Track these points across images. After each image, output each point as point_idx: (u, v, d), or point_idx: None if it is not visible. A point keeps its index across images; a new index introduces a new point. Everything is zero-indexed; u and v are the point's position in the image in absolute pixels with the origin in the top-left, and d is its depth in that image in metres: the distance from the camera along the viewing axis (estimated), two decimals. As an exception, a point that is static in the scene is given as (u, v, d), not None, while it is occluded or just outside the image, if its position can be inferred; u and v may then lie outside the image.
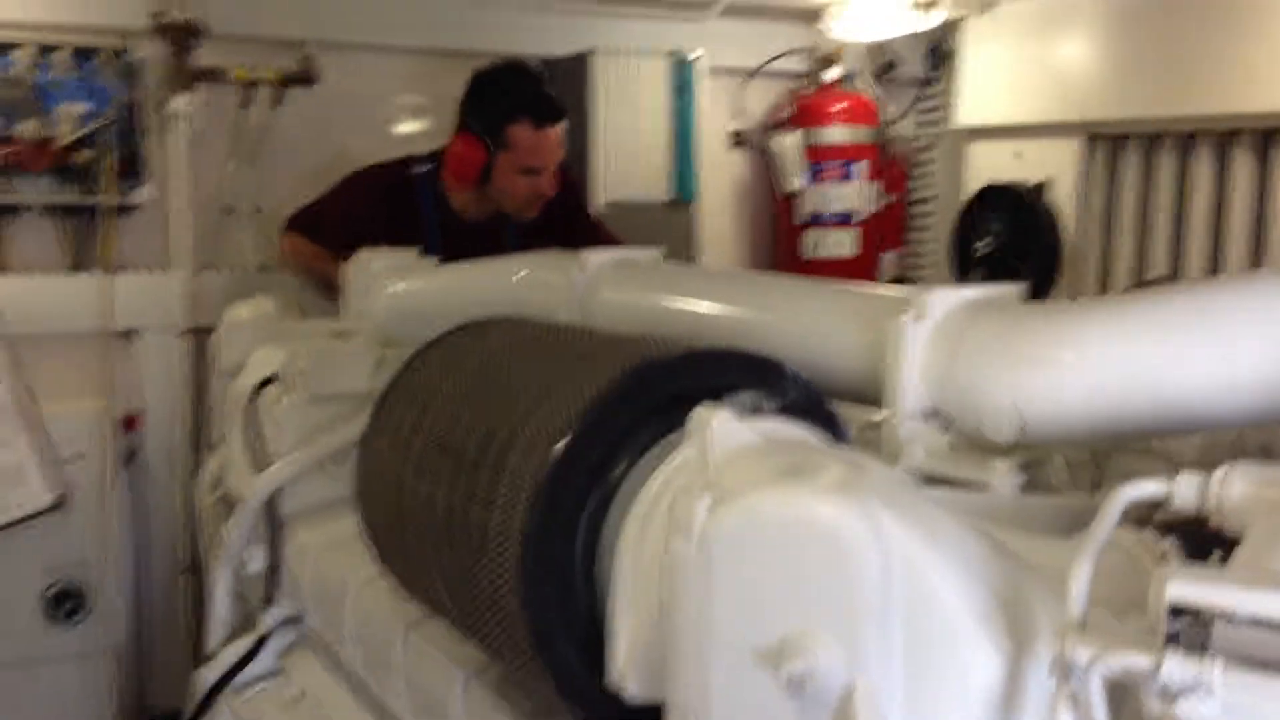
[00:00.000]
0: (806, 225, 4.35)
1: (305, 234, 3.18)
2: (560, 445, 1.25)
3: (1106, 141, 3.82)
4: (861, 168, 4.34)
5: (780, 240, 4.50)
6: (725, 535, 1.06)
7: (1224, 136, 3.47)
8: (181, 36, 3.18)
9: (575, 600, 1.24)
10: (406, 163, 3.17)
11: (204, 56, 3.27)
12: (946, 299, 1.37)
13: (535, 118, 2.99)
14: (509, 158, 3.00)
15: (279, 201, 3.48)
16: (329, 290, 3.06)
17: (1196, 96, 3.45)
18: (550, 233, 3.18)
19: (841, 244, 4.37)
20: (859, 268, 4.39)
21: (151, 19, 3.20)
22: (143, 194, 3.24)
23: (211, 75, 3.27)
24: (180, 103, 3.21)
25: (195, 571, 3.35)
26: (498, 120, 2.98)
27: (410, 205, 3.11)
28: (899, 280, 4.66)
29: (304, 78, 3.39)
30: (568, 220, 3.30)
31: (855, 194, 4.34)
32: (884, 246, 4.57)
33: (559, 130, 3.05)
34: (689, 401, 1.25)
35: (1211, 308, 1.24)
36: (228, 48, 3.37)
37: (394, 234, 2.90)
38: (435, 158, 3.15)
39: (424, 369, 1.56)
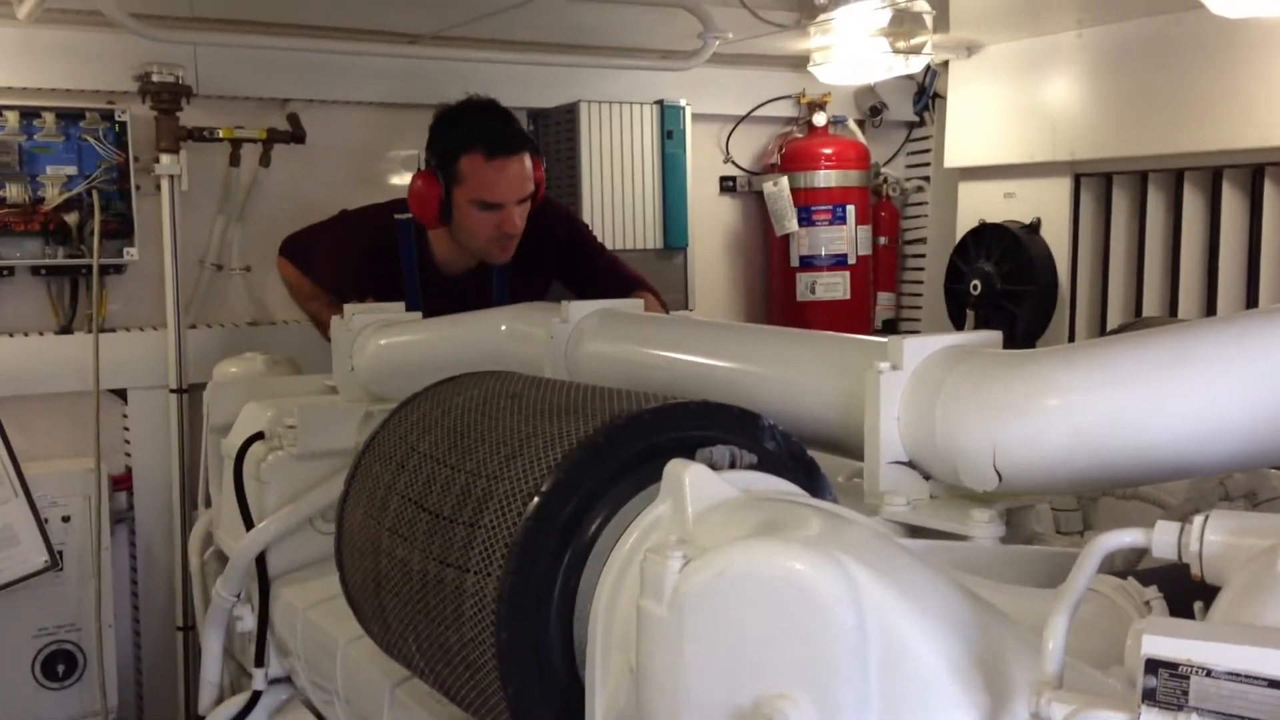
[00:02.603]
0: (800, 269, 4.36)
1: (296, 263, 3.18)
2: (534, 502, 1.23)
3: (1097, 180, 3.82)
4: (852, 211, 4.34)
5: (775, 284, 4.50)
6: (697, 594, 1.04)
7: (1213, 172, 3.47)
8: (168, 97, 3.20)
9: (552, 663, 1.22)
10: (394, 207, 3.10)
11: (191, 116, 3.29)
12: (923, 347, 1.36)
13: (487, 149, 2.85)
14: (463, 191, 2.87)
15: (268, 258, 3.49)
16: (320, 327, 3.04)
17: (1184, 133, 3.46)
18: (545, 279, 3.15)
19: (835, 287, 4.37)
20: (854, 310, 4.39)
21: (138, 81, 3.22)
22: (132, 253, 3.25)
23: (199, 135, 3.28)
24: (168, 163, 3.23)
25: (190, 630, 3.33)
26: (450, 153, 2.88)
27: (392, 254, 3.04)
28: (893, 322, 4.66)
29: (291, 135, 3.41)
30: (570, 262, 3.18)
31: (847, 237, 4.35)
32: (878, 288, 4.57)
33: (517, 164, 2.88)
34: (667, 455, 1.24)
35: (1192, 351, 1.22)
36: (214, 107, 3.40)
37: (375, 281, 2.94)
38: None
39: (401, 427, 1.55)
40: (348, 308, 2.53)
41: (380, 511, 1.45)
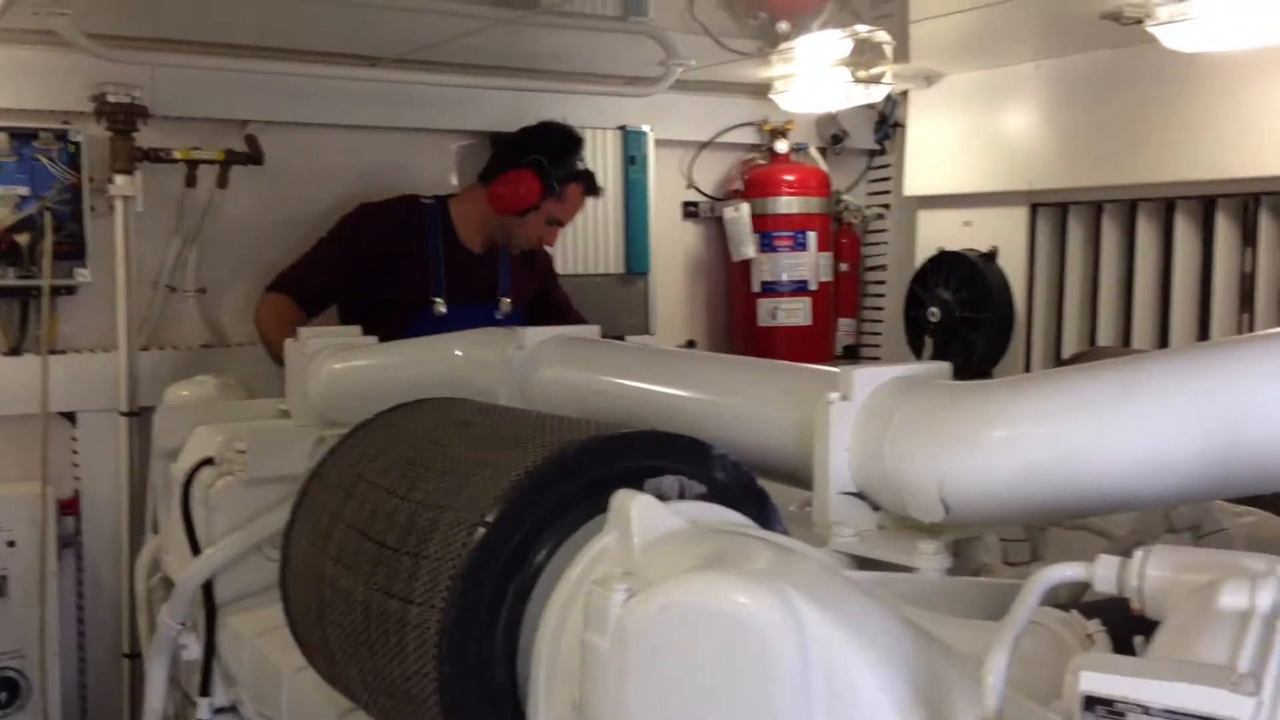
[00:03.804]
0: (761, 294, 4.37)
1: (294, 286, 3.20)
2: (479, 533, 1.22)
3: (1053, 209, 3.86)
4: (813, 237, 4.36)
5: (736, 310, 4.51)
6: (641, 628, 1.03)
7: (1166, 204, 3.52)
8: (123, 118, 3.16)
9: (495, 697, 1.20)
10: (414, 197, 3.44)
11: (146, 137, 3.25)
12: (873, 378, 1.36)
13: (588, 186, 3.46)
14: (555, 207, 3.38)
15: (224, 280, 3.46)
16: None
17: (1138, 165, 3.51)
18: (532, 273, 3.58)
19: (796, 313, 4.39)
20: (814, 336, 4.41)
21: (93, 101, 3.19)
22: (84, 275, 3.21)
23: (154, 156, 3.25)
24: (122, 183, 3.19)
25: (136, 658, 3.27)
26: (566, 175, 3.37)
27: (419, 230, 3.35)
28: (854, 348, 4.68)
29: (249, 157, 3.38)
30: (544, 273, 3.67)
31: (808, 263, 4.37)
32: (839, 314, 4.59)
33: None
34: (615, 485, 1.23)
35: (1138, 385, 1.23)
36: (171, 128, 3.36)
37: (402, 254, 3.26)
38: (440, 199, 3.45)
39: (349, 454, 1.53)
40: (303, 331, 2.51)
41: (325, 540, 1.43)
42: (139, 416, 3.29)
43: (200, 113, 3.43)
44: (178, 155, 3.30)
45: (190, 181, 3.39)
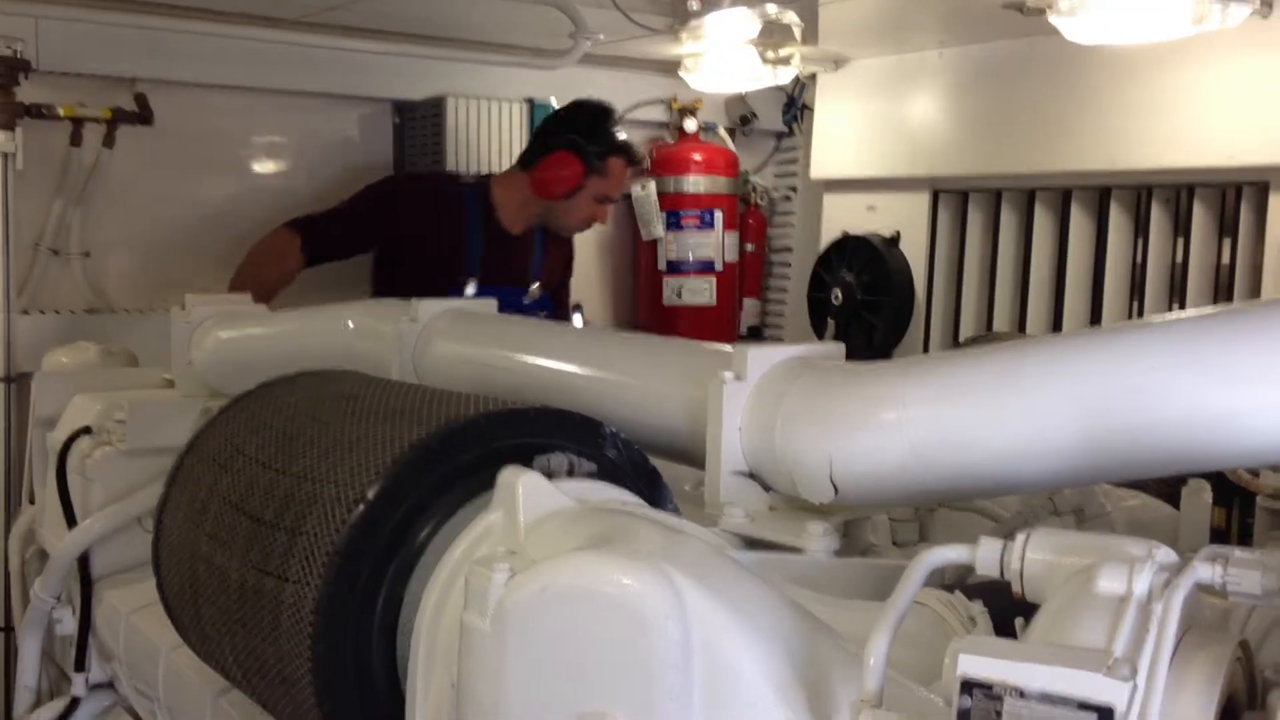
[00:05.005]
0: (667, 273, 4.36)
1: (309, 230, 3.16)
2: (358, 509, 1.18)
3: (953, 196, 3.91)
4: (720, 217, 4.36)
5: (642, 287, 4.49)
6: (521, 608, 1.01)
7: (1063, 193, 3.59)
8: (4, 71, 3.00)
9: (372, 678, 1.17)
10: (454, 176, 3.51)
11: (29, 93, 3.10)
12: (767, 358, 1.35)
13: (629, 157, 3.45)
14: (600, 184, 3.35)
15: (109, 243, 3.33)
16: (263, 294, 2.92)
17: (1036, 154, 3.56)
18: (562, 257, 3.65)
19: (701, 292, 4.39)
20: (719, 315, 4.41)
21: (-30, 53, 3.04)
22: (-42, 235, 3.07)
23: (37, 112, 3.10)
24: (2, 140, 3.03)
25: (10, 631, 3.14)
26: (604, 150, 3.35)
27: (456, 211, 3.35)
28: (758, 328, 4.70)
29: (137, 117, 3.25)
30: (567, 261, 3.69)
31: (714, 243, 4.36)
32: (744, 295, 4.60)
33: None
34: (503, 462, 1.21)
35: (1022, 370, 1.23)
36: (56, 84, 3.20)
37: (435, 232, 3.28)
38: (482, 179, 3.47)
39: (227, 427, 1.47)
40: (189, 297, 2.43)
41: (200, 516, 1.38)
42: (16, 383, 3.15)
43: (87, 68, 3.28)
44: (62, 112, 3.16)
45: (75, 140, 3.25)
